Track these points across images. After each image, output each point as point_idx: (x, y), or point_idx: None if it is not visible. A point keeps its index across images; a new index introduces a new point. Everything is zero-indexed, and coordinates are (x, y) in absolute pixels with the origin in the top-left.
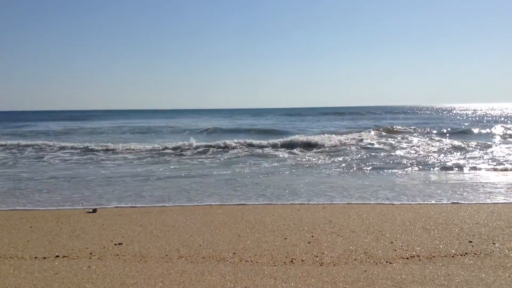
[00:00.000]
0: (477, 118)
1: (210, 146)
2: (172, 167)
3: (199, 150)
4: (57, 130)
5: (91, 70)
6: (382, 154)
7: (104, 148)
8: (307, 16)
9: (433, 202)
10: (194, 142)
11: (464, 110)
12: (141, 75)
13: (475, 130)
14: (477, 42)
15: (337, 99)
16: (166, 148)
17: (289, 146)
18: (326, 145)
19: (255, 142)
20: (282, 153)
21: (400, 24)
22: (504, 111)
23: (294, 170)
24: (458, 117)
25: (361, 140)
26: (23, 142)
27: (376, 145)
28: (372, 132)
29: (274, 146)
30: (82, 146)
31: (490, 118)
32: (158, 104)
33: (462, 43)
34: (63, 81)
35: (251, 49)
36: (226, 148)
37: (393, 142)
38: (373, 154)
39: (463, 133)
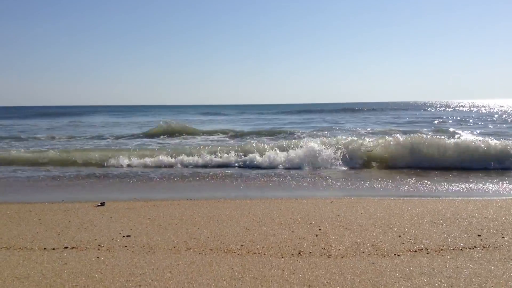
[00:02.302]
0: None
1: None
2: None
3: None
4: None
5: (88, 66)
6: None
7: None
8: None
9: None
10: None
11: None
12: (138, 70)
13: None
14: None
15: (328, 96)
16: None
17: None
18: None
19: None
20: None
21: (398, 19)
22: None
23: None
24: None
25: None
26: None
27: None
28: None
29: None
30: None
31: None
32: (159, 100)
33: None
34: (55, 77)
35: (250, 45)
36: None
37: None
38: None
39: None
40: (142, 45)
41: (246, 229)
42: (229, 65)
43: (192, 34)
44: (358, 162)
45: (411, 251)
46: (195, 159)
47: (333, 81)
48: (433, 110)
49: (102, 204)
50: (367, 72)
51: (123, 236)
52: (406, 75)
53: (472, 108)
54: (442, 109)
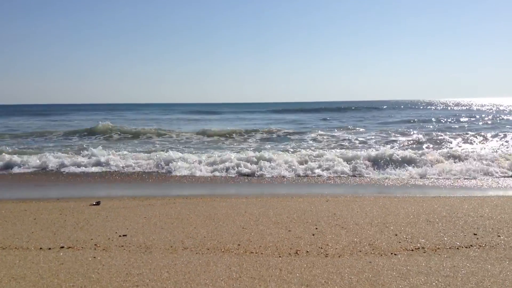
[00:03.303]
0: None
1: None
2: None
3: None
4: None
5: (92, 65)
6: None
7: None
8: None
9: (437, 194)
10: None
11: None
12: (136, 69)
13: None
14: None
15: (329, 94)
16: None
17: None
18: None
19: None
20: None
21: (397, 16)
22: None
23: None
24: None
25: None
26: None
27: None
28: None
29: None
30: None
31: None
32: (156, 98)
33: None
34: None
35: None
36: None
37: None
38: None
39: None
40: (141, 44)
41: (243, 228)
42: (229, 63)
43: (191, 33)
44: None
45: (408, 250)
46: None
47: (333, 79)
48: (421, 108)
49: (98, 203)
50: (369, 70)
51: (120, 236)
52: (409, 73)
53: (462, 107)
54: (432, 108)
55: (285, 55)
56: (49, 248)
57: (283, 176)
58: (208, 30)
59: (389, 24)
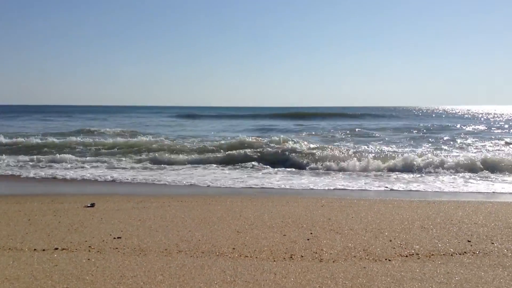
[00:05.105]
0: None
1: None
2: None
3: None
4: None
5: (91, 66)
6: None
7: None
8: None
9: (431, 200)
10: None
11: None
12: (131, 70)
13: None
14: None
15: (328, 99)
16: None
17: None
18: None
19: None
20: None
21: (398, 18)
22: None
23: None
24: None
25: None
26: None
27: None
28: None
29: None
30: None
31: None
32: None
33: (463, 39)
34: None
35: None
36: None
37: None
38: None
39: None
40: (137, 44)
41: (238, 232)
42: (226, 65)
43: (190, 33)
44: None
45: (402, 256)
46: None
47: (331, 84)
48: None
49: (92, 205)
50: (366, 75)
51: (114, 238)
52: (410, 79)
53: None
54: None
55: (285, 57)
56: (43, 250)
57: None
58: (204, 33)
59: (392, 26)
